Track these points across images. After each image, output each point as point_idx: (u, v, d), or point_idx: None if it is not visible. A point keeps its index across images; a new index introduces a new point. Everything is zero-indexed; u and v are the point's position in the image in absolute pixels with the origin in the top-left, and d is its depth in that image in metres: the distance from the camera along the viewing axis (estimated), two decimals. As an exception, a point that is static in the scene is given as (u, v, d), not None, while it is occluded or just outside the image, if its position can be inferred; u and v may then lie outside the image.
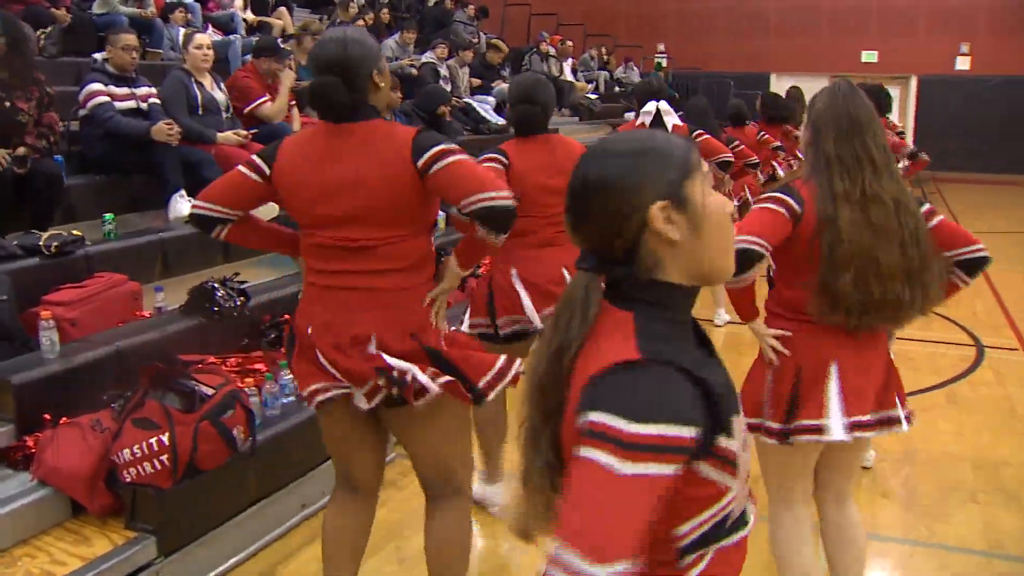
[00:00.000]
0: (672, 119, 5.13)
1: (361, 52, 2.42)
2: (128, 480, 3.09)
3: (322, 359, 2.45)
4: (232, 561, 3.36)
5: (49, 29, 6.70)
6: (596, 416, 1.15)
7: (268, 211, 5.70)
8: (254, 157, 2.53)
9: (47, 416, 3.33)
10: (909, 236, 2.42)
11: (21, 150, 4.41)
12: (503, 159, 3.42)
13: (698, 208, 1.29)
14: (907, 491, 4.06)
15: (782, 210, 2.44)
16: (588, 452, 1.14)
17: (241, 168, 2.53)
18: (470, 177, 2.39)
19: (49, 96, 4.70)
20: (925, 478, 4.19)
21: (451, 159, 2.39)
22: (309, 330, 2.48)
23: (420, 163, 2.37)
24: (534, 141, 3.49)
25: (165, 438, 3.09)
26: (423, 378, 2.43)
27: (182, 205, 5.14)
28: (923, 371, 5.65)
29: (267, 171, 2.48)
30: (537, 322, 3.45)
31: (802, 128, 2.61)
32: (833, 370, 2.49)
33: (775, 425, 2.54)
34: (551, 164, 3.43)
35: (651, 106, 5.13)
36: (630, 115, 5.94)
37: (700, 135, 5.62)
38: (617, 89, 16.14)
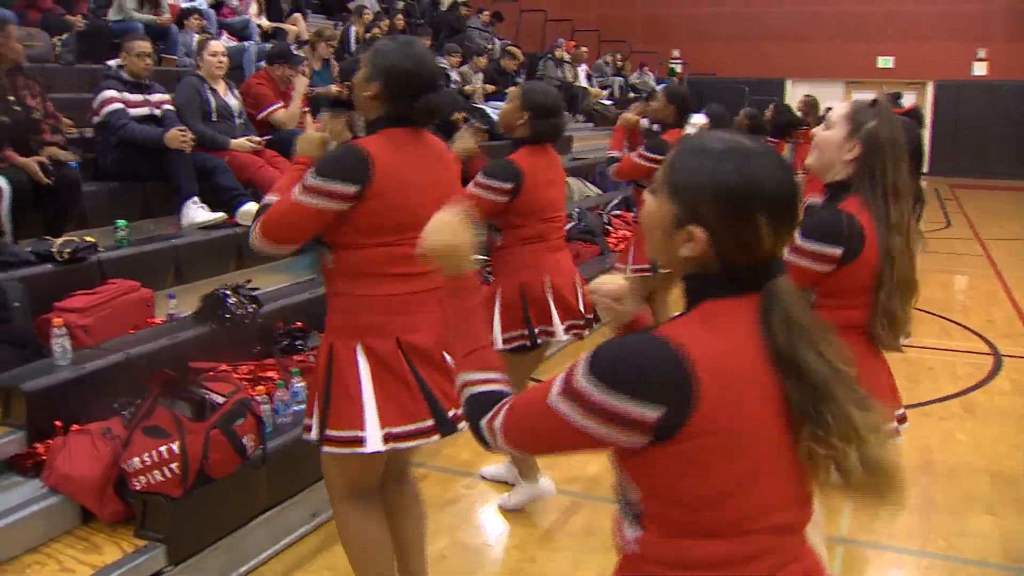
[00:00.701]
0: None
1: None
2: (138, 488, 3.09)
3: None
4: (242, 570, 3.34)
5: (65, 36, 6.74)
6: None
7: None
8: (334, 185, 2.39)
9: (58, 423, 3.33)
10: None
11: (46, 155, 4.39)
12: (511, 184, 3.41)
13: None
14: (924, 502, 4.01)
15: (815, 266, 2.37)
16: None
17: (320, 204, 2.40)
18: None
19: (44, 88, 4.74)
20: (942, 489, 4.14)
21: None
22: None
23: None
24: (544, 150, 3.57)
25: (175, 446, 3.08)
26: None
27: (195, 212, 5.15)
28: (942, 380, 5.58)
29: (357, 190, 2.39)
30: (560, 334, 3.57)
31: (836, 135, 2.44)
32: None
33: None
34: (558, 173, 3.66)
35: (700, 119, 5.24)
36: (646, 122, 5.89)
37: None
38: (631, 95, 16.10)
